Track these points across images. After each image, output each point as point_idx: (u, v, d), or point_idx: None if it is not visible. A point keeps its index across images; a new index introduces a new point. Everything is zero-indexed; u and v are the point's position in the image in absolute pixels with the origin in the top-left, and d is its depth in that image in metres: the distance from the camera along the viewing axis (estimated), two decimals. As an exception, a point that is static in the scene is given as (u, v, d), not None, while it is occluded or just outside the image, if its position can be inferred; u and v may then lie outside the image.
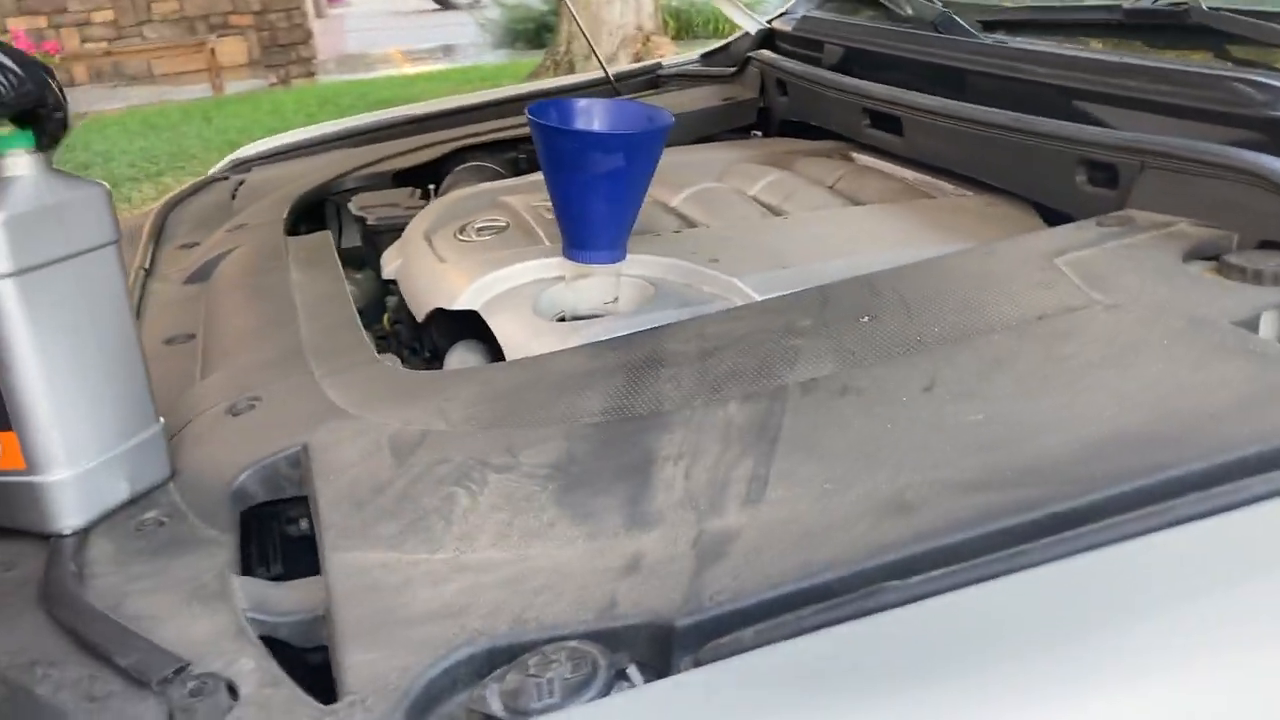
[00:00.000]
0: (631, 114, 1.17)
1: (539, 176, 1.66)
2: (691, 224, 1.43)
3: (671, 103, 2.08)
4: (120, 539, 0.87)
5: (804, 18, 2.00)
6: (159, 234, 1.78)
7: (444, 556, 0.76)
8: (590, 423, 0.88)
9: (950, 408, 0.82)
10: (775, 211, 1.46)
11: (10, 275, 0.83)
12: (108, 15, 11.43)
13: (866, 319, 0.99)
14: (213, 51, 10.64)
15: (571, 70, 8.34)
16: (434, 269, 1.34)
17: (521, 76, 8.71)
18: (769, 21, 2.18)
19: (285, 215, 1.68)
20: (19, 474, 0.87)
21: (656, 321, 1.11)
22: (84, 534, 0.87)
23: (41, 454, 0.86)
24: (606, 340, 1.05)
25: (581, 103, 1.16)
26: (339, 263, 1.43)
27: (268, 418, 1.01)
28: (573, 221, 1.14)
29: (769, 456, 0.79)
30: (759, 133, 2.02)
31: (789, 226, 1.34)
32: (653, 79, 2.33)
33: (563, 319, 1.20)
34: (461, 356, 1.21)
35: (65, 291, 0.87)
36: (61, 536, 0.86)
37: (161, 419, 0.96)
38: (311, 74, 11.01)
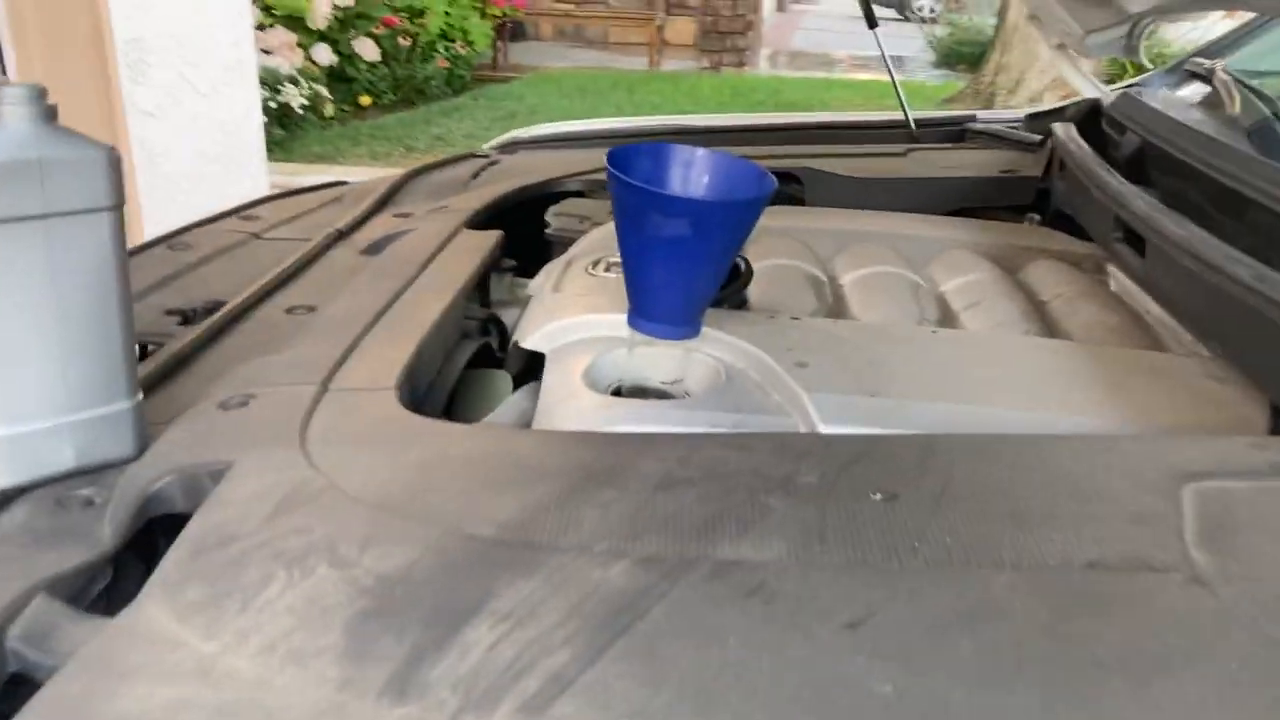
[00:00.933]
0: (736, 176, 0.98)
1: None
2: (837, 311, 1.22)
3: (949, 162, 1.82)
4: (35, 510, 0.84)
5: (1121, 94, 1.67)
6: (386, 200, 1.79)
7: (205, 649, 0.65)
8: (471, 533, 0.74)
9: (861, 664, 0.60)
10: (946, 321, 1.21)
11: (-27, 220, 0.81)
12: (582, -21, 12.16)
13: (879, 496, 0.76)
14: (659, 28, 11.09)
15: (990, 102, 7.84)
16: (541, 297, 1.23)
17: (937, 101, 8.33)
18: (1112, 90, 1.85)
19: (485, 205, 1.63)
20: (-38, 420, 0.86)
21: (697, 423, 0.94)
22: (12, 493, 0.85)
23: (-17, 407, 0.84)
24: (587, 434, 0.89)
25: (686, 151, 1.00)
26: (478, 265, 1.35)
27: (239, 422, 0.94)
28: (634, 285, 0.98)
29: (598, 653, 0.61)
30: (1036, 216, 1.71)
31: (925, 344, 1.09)
32: (957, 131, 2.07)
33: (618, 390, 1.05)
34: (516, 403, 1.09)
35: (37, 250, 0.84)
36: (-14, 493, 0.85)
37: (140, 395, 0.92)
38: (742, 64, 11.19)
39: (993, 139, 1.96)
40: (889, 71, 2.12)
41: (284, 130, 7.18)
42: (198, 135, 3.19)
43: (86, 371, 0.89)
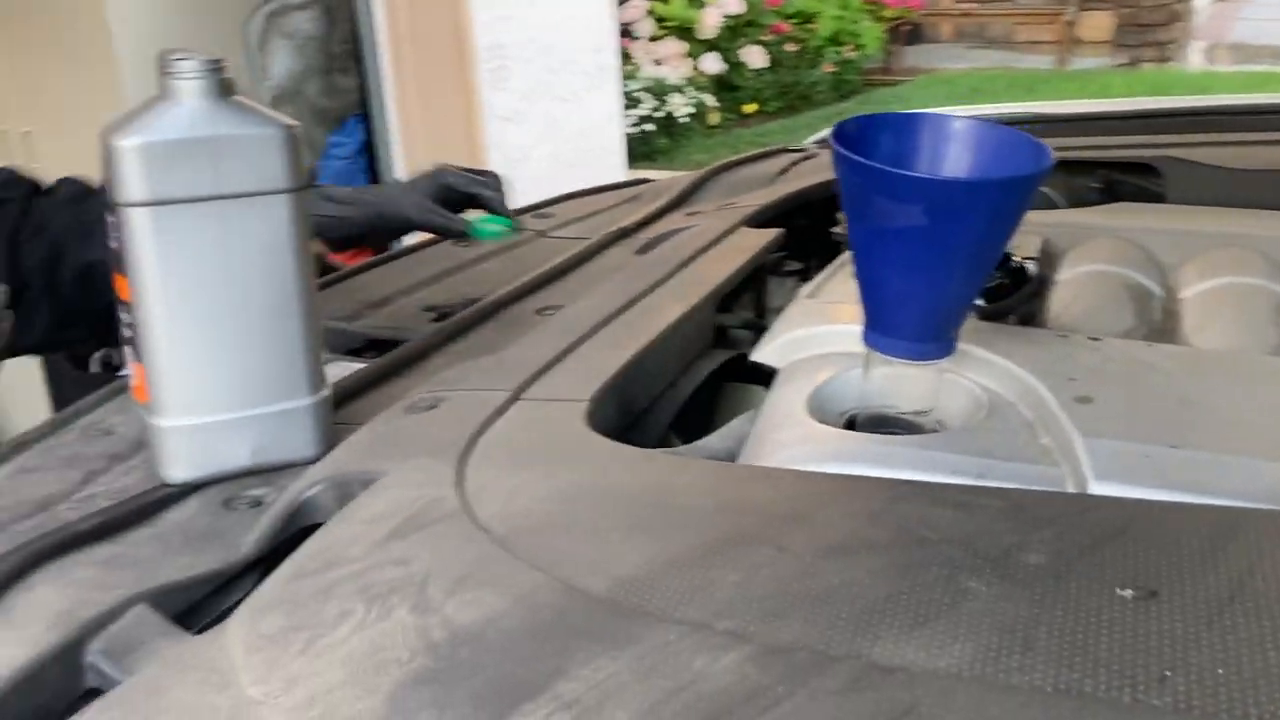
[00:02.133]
0: (1003, 150, 0.77)
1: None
2: (1166, 332, 0.95)
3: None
4: (201, 509, 0.80)
5: None
6: (684, 198, 1.69)
7: (250, 694, 0.56)
8: (577, 586, 0.59)
9: None
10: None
11: (142, 205, 0.78)
12: (986, -23, 11.59)
13: (1129, 593, 0.53)
14: (1069, 23, 10.31)
15: None
16: (795, 303, 1.06)
17: None
18: None
19: (774, 201, 1.48)
20: (144, 410, 0.84)
21: (933, 469, 0.74)
22: (188, 489, 0.82)
23: (157, 396, 0.82)
24: (768, 472, 0.72)
25: (940, 121, 0.79)
26: (740, 266, 1.20)
27: (416, 428, 0.86)
28: (867, 291, 0.80)
29: (657, 777, 0.45)
30: None
31: (1270, 381, 0.80)
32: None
33: (852, 420, 0.86)
34: (736, 428, 0.93)
35: (211, 234, 0.80)
36: (167, 486, 0.82)
37: (325, 391, 0.87)
38: (1166, 59, 10.12)
39: None
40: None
41: (669, 138, 7.36)
42: (555, 140, 3.26)
43: (266, 364, 0.84)
